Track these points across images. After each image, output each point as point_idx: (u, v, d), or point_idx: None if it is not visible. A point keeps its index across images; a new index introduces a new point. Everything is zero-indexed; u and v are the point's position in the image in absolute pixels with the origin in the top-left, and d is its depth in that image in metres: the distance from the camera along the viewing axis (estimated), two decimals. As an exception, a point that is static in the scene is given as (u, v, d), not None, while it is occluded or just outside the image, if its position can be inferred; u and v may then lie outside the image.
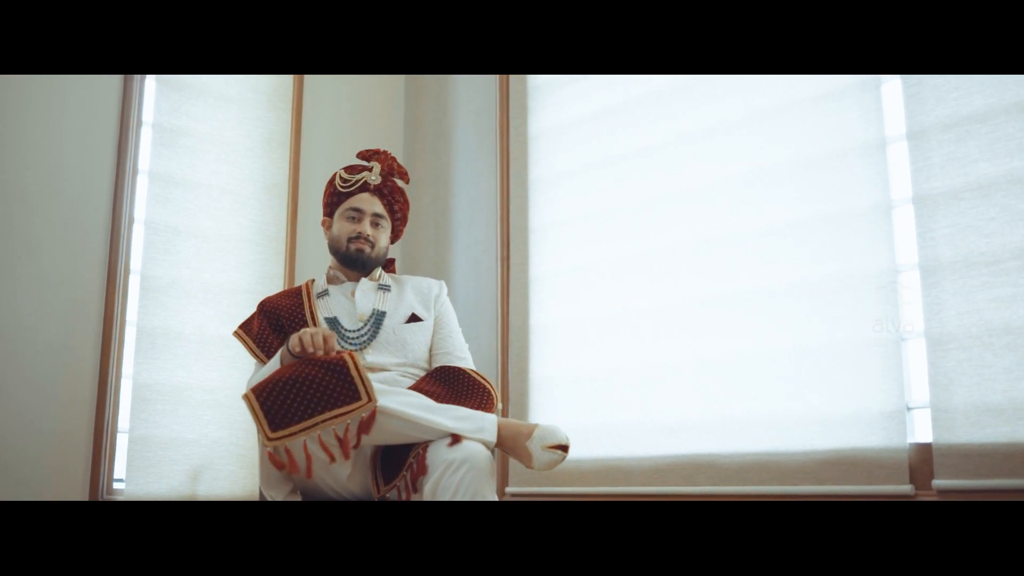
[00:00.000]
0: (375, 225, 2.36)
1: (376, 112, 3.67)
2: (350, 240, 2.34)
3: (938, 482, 2.18)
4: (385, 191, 2.37)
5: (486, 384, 2.23)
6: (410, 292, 2.39)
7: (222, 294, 3.06)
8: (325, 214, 2.43)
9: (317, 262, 3.21)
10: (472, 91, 3.50)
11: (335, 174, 2.39)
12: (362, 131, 3.56)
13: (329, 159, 3.26)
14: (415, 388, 2.15)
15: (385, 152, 2.42)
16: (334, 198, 2.38)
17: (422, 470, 1.96)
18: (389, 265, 2.50)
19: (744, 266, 2.60)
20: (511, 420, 2.07)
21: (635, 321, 2.82)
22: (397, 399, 1.98)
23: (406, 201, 2.43)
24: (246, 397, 1.90)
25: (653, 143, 2.87)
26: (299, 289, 2.37)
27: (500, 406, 3.08)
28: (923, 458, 2.25)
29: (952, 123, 2.27)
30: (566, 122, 3.13)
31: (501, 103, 3.34)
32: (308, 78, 3.43)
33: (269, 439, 1.86)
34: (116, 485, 2.82)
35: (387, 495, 2.05)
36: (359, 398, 1.91)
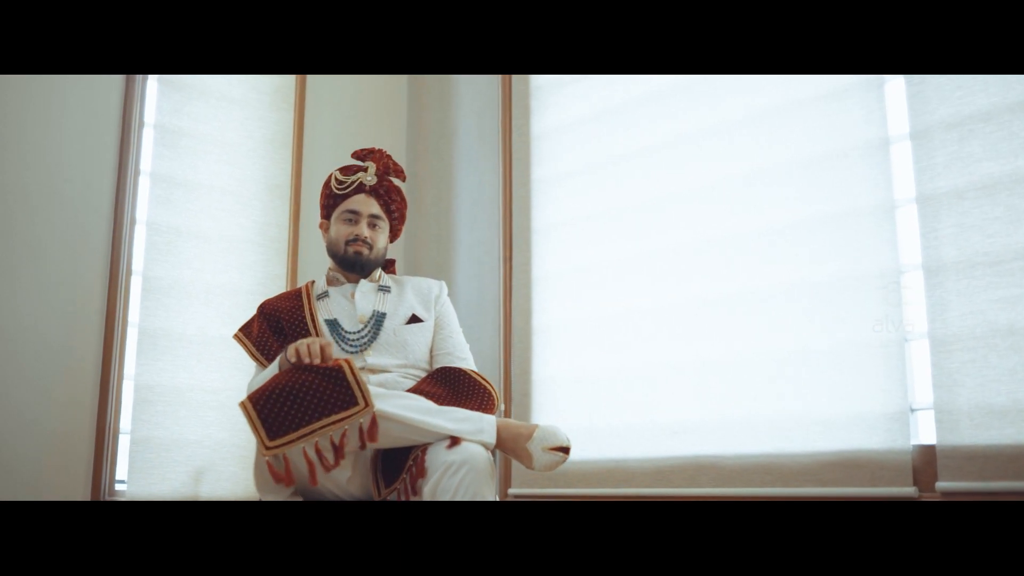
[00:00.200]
0: (372, 226, 2.35)
1: (378, 112, 3.66)
2: (348, 243, 2.33)
3: (942, 484, 2.16)
4: (381, 191, 2.36)
5: (487, 385, 2.22)
6: (410, 293, 2.38)
7: (224, 295, 3.06)
8: (322, 216, 2.42)
9: (319, 263, 3.20)
10: (475, 91, 3.49)
11: (330, 175, 2.38)
12: (364, 131, 3.55)
13: (331, 160, 3.25)
14: (416, 389, 2.15)
15: (380, 151, 2.40)
16: (330, 200, 2.37)
17: (421, 472, 1.95)
18: (389, 266, 2.49)
19: (747, 266, 2.59)
20: (511, 421, 2.07)
21: (638, 322, 2.81)
22: (395, 402, 1.98)
23: (403, 200, 2.42)
24: (243, 405, 1.90)
25: (655, 143, 2.86)
26: (299, 291, 2.36)
27: (502, 407, 3.09)
28: (927, 460, 2.23)
29: (956, 122, 2.25)
30: (568, 122, 3.12)
31: (504, 103, 3.33)
32: (310, 78, 3.43)
33: (267, 448, 1.86)
34: (118, 486, 2.82)
35: (388, 498, 2.04)
36: (356, 403, 1.90)
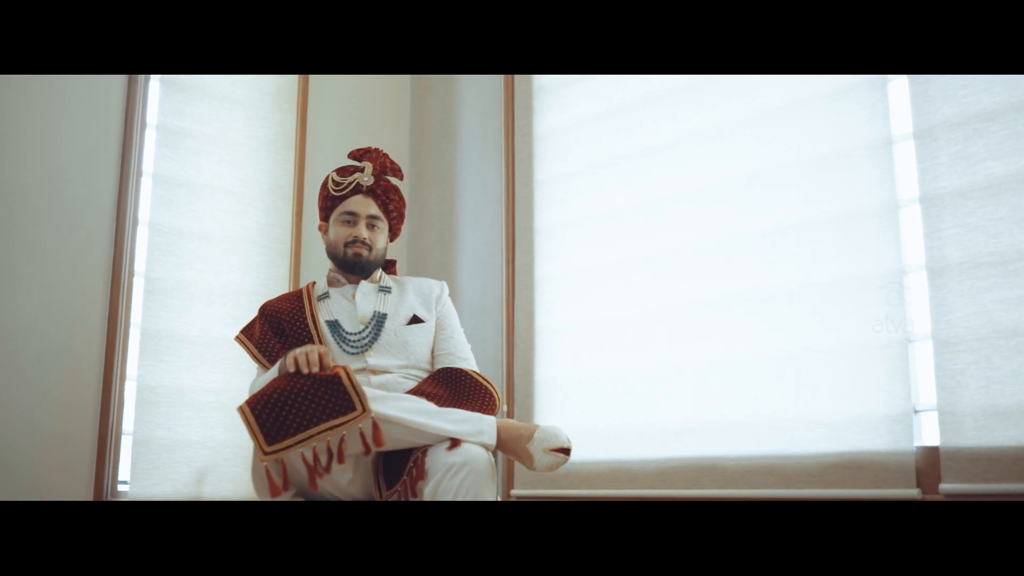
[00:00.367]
0: (371, 227, 2.34)
1: (381, 113, 3.66)
2: (347, 245, 2.32)
3: (945, 486, 2.15)
4: (379, 191, 2.34)
5: (488, 386, 2.22)
6: (411, 293, 2.37)
7: (226, 296, 3.05)
8: (321, 219, 2.41)
9: (322, 264, 3.19)
10: (478, 91, 3.49)
11: (327, 177, 2.37)
12: (367, 132, 3.55)
13: (334, 160, 3.24)
14: (417, 390, 2.14)
15: (376, 150, 2.39)
16: (328, 202, 2.36)
17: (421, 474, 1.95)
18: (390, 266, 2.48)
19: (750, 267, 2.58)
20: (511, 422, 2.06)
21: (640, 322, 2.80)
22: (395, 404, 1.97)
23: (401, 199, 2.40)
24: (241, 410, 1.90)
25: (658, 143, 2.85)
26: (300, 292, 2.36)
27: (505, 408, 3.09)
28: (930, 462, 2.22)
29: (960, 121, 2.24)
30: (571, 122, 3.11)
31: (507, 103, 3.33)
32: (313, 79, 3.42)
33: (265, 453, 1.86)
34: (120, 487, 2.82)
35: (389, 499, 2.04)
36: (354, 408, 1.90)
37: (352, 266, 2.32)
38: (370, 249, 2.32)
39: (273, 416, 1.88)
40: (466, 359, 2.32)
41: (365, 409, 1.90)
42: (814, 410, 2.40)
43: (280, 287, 3.18)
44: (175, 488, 2.82)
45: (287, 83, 3.34)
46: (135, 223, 2.93)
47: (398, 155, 3.62)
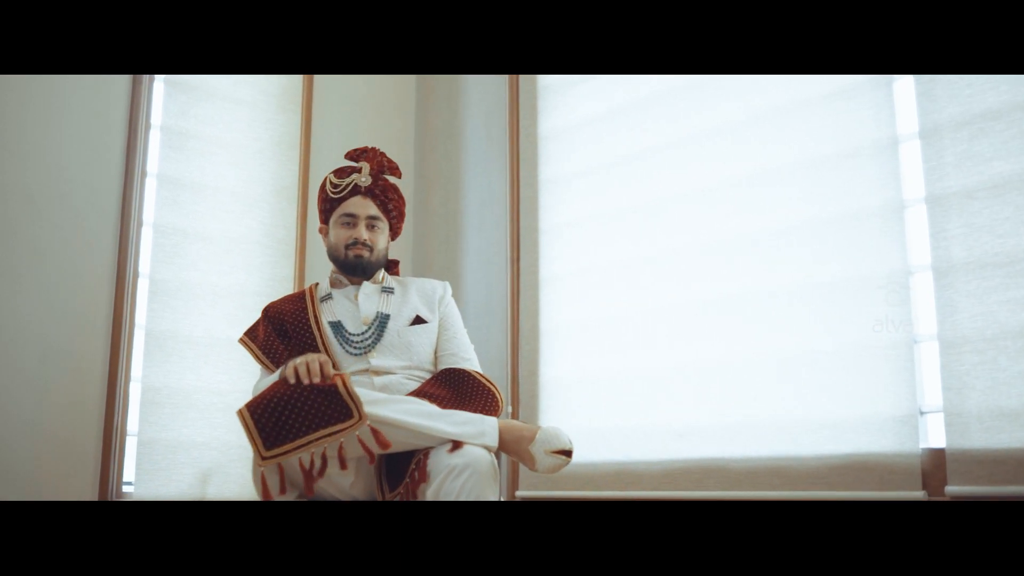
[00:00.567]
0: (371, 227, 2.33)
1: (386, 113, 3.65)
2: (348, 247, 2.31)
3: (951, 488, 2.13)
4: (377, 191, 2.33)
5: (491, 387, 2.21)
6: (414, 294, 2.36)
7: (231, 297, 3.06)
8: (321, 221, 2.40)
9: (327, 264, 3.20)
10: (482, 92, 3.48)
11: (325, 179, 2.36)
12: (372, 133, 3.54)
13: (339, 161, 3.23)
14: (419, 391, 2.14)
15: (373, 149, 2.38)
16: (327, 204, 2.36)
17: (423, 477, 1.95)
18: (393, 267, 2.48)
19: (755, 268, 2.57)
20: (513, 423, 2.05)
21: (645, 323, 2.79)
22: (396, 407, 1.97)
23: (400, 197, 2.39)
24: (240, 414, 1.90)
25: (663, 143, 2.84)
26: (303, 293, 2.36)
27: (510, 409, 3.08)
28: (936, 463, 2.20)
29: (965, 120, 2.22)
30: (576, 122, 3.10)
31: (511, 104, 3.32)
32: (318, 80, 3.42)
33: (263, 458, 1.87)
34: (125, 488, 2.82)
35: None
36: (351, 416, 1.90)
37: (354, 268, 2.32)
38: (371, 250, 2.32)
39: (272, 421, 1.88)
40: (469, 359, 2.31)
41: (361, 417, 1.91)
42: (820, 411, 2.39)
43: (285, 288, 3.18)
44: (180, 489, 2.82)
45: (291, 84, 3.34)
46: (139, 224, 2.93)
47: (403, 156, 3.62)
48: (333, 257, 2.36)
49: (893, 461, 2.24)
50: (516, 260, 3.20)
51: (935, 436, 2.25)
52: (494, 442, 2.00)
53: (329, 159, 3.36)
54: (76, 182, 2.82)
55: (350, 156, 2.38)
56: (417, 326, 2.29)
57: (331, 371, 1.98)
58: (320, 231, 2.41)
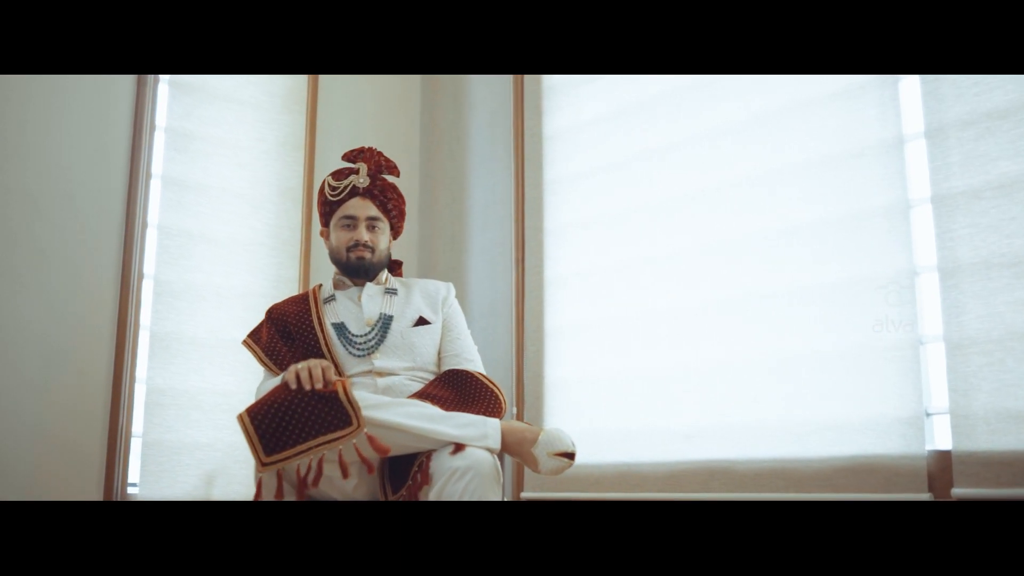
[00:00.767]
0: (372, 229, 2.32)
1: (392, 114, 3.65)
2: (349, 249, 2.31)
3: (957, 490, 2.11)
4: (376, 191, 2.32)
5: (494, 389, 2.21)
6: (417, 295, 2.36)
7: (236, 298, 3.06)
8: (322, 224, 2.40)
9: (331, 266, 3.20)
10: (488, 92, 3.48)
11: (324, 182, 2.36)
12: (377, 133, 3.54)
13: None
14: (422, 393, 2.13)
15: (370, 149, 2.37)
16: (327, 207, 2.35)
17: (425, 479, 1.94)
18: (396, 268, 2.47)
19: (760, 268, 2.56)
20: (516, 425, 2.05)
21: (651, 324, 2.78)
22: (398, 411, 1.97)
23: (400, 196, 2.38)
24: (240, 419, 1.90)
25: (668, 143, 2.83)
26: (306, 295, 2.35)
27: (515, 410, 3.07)
28: (942, 466, 2.19)
29: (972, 120, 2.20)
30: (581, 123, 3.10)
31: (516, 104, 3.31)
32: (323, 80, 3.42)
33: (264, 464, 1.86)
34: (130, 490, 2.82)
35: (394, 504, 2.04)
36: (350, 423, 1.90)
37: (356, 270, 2.31)
38: (373, 251, 2.31)
39: (272, 427, 1.88)
40: (472, 360, 2.31)
41: (360, 424, 1.90)
42: (825, 413, 2.37)
43: (290, 289, 3.18)
44: (184, 490, 2.82)
45: (296, 85, 3.34)
46: (144, 226, 2.93)
47: (408, 156, 3.61)
48: (335, 260, 2.35)
49: (899, 463, 2.23)
50: (521, 261, 3.20)
51: (941, 438, 2.24)
52: (496, 444, 2.00)
53: (334, 160, 3.34)
54: (80, 184, 2.83)
55: (347, 157, 2.38)
56: (420, 327, 2.29)
57: (333, 376, 1.98)
58: (321, 234, 2.41)
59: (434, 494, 1.90)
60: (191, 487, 2.84)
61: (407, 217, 2.65)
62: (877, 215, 2.35)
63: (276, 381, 2.11)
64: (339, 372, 2.19)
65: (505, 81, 3.40)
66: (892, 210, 2.33)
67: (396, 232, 2.41)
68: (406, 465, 2.02)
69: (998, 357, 2.10)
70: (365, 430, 1.91)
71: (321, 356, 2.20)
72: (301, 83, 3.36)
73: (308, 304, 2.31)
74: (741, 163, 2.64)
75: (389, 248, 2.38)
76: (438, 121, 3.66)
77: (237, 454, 2.94)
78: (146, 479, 2.78)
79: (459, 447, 1.94)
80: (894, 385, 2.26)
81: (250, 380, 2.99)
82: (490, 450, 1.97)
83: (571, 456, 2.00)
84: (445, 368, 2.28)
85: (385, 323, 2.26)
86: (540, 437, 2.00)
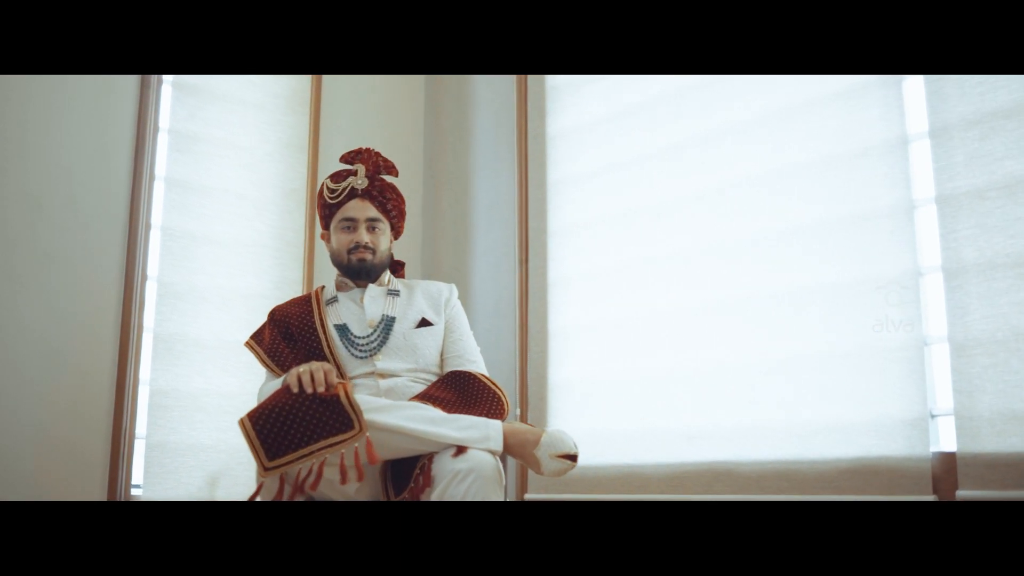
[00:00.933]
0: (372, 230, 2.32)
1: (395, 114, 3.65)
2: (350, 252, 2.31)
3: (962, 492, 2.10)
4: (375, 192, 2.32)
5: (496, 390, 2.20)
6: (420, 296, 2.36)
7: (239, 300, 3.06)
8: (322, 227, 2.40)
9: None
10: (491, 92, 3.47)
11: (322, 184, 2.36)
12: (381, 134, 3.54)
13: (347, 163, 3.25)
14: (425, 395, 2.13)
15: (368, 150, 2.37)
16: (326, 210, 2.35)
17: (427, 481, 1.94)
18: (399, 269, 2.47)
19: (764, 269, 2.55)
20: (518, 426, 2.04)
21: (654, 325, 2.77)
22: (399, 414, 1.96)
23: (399, 196, 2.38)
24: (242, 423, 1.90)
25: (672, 144, 2.82)
26: (308, 296, 2.35)
27: (518, 411, 3.07)
28: (947, 467, 2.18)
29: (976, 119, 2.19)
30: (584, 123, 3.09)
31: (519, 104, 3.31)
32: (326, 81, 3.42)
33: (266, 469, 1.86)
34: (134, 491, 2.82)
35: (396, 506, 2.03)
36: (352, 427, 1.90)
37: (358, 272, 2.31)
38: (374, 252, 2.31)
39: (274, 432, 1.88)
40: (475, 362, 2.31)
41: (362, 428, 1.90)
42: (829, 414, 2.36)
43: (293, 290, 3.18)
44: (188, 492, 2.82)
45: (300, 86, 3.34)
46: (148, 227, 2.93)
47: (412, 157, 3.61)
48: (337, 262, 2.36)
49: (903, 465, 2.22)
50: (525, 261, 3.19)
51: (946, 439, 2.23)
52: (499, 446, 1.99)
53: (338, 161, 3.36)
54: (84, 185, 2.83)
55: (345, 159, 2.38)
56: (423, 328, 2.28)
57: (335, 379, 1.98)
58: (322, 237, 2.41)
59: (436, 496, 1.90)
60: (195, 489, 2.84)
61: (410, 218, 2.65)
62: (881, 215, 2.34)
63: (278, 383, 2.11)
64: (341, 374, 2.19)
65: (509, 81, 3.39)
66: (896, 210, 2.32)
67: (397, 232, 2.41)
68: (408, 467, 2.01)
69: (1002, 358, 2.09)
70: (367, 434, 1.91)
71: (323, 358, 2.20)
72: (305, 84, 3.36)
73: (310, 306, 2.31)
74: (745, 163, 2.64)
75: (390, 248, 2.38)
76: (442, 122, 3.66)
77: (240, 456, 2.94)
78: (149, 481, 2.78)
79: (461, 449, 1.94)
80: (898, 386, 2.25)
81: (253, 382, 2.99)
82: (492, 452, 1.97)
83: (573, 458, 2.00)
84: (447, 369, 2.28)
85: (387, 325, 2.26)
86: (542, 439, 1.99)
